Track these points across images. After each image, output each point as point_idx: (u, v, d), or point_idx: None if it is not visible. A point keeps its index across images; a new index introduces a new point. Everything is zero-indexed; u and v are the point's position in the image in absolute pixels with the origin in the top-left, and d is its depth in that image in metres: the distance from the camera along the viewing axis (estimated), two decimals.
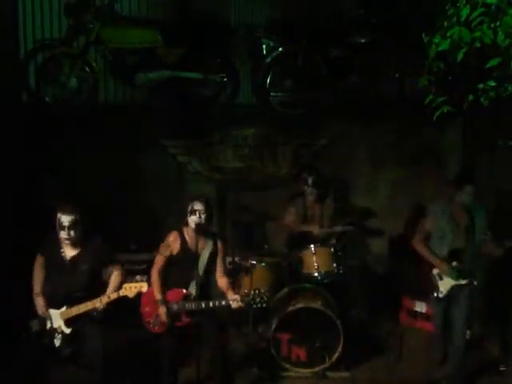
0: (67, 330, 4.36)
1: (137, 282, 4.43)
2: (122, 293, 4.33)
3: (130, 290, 4.33)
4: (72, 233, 4.35)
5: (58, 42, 6.41)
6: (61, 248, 4.44)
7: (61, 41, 6.42)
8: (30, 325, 4.37)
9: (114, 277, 4.51)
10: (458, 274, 4.77)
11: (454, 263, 4.78)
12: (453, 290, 4.81)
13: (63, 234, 4.35)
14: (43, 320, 4.38)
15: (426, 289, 4.97)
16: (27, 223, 5.70)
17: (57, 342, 4.36)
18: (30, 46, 6.60)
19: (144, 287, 4.37)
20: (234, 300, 4.42)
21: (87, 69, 6.28)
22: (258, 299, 4.42)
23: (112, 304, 4.37)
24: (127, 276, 4.68)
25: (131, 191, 6.30)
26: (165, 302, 4.48)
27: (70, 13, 6.22)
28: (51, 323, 4.37)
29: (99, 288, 4.44)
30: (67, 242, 4.39)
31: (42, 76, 6.28)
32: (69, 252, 4.44)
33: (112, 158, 6.31)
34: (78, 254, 4.45)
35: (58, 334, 4.36)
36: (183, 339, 4.63)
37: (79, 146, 6.25)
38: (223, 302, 4.46)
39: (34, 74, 6.34)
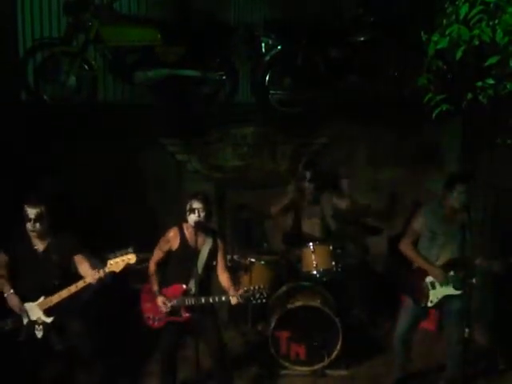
0: (48, 320, 4.37)
1: (122, 255, 4.30)
2: (107, 269, 4.29)
3: (117, 264, 4.28)
4: (37, 225, 4.38)
5: (57, 41, 6.42)
6: (31, 241, 4.47)
7: (60, 39, 6.43)
8: (1, 325, 4.37)
9: (83, 264, 4.48)
10: (452, 283, 4.67)
11: (451, 273, 4.66)
12: (444, 298, 4.71)
13: (29, 226, 4.38)
14: (18, 317, 4.38)
15: (414, 295, 4.77)
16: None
17: (38, 334, 4.36)
18: (29, 45, 6.59)
19: (132, 258, 4.31)
20: (234, 296, 4.43)
21: (86, 67, 6.28)
22: (257, 295, 4.44)
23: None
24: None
25: (130, 190, 6.30)
26: (162, 293, 4.50)
27: (69, 11, 6.22)
28: (28, 317, 4.38)
29: (74, 275, 4.45)
30: (33, 234, 4.41)
31: (41, 75, 6.28)
32: (39, 244, 4.48)
33: (111, 157, 6.31)
34: (48, 244, 4.48)
35: (39, 325, 4.36)
36: (183, 335, 4.64)
37: (78, 144, 6.24)
38: (223, 298, 4.47)
39: (33, 72, 6.33)
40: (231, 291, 4.50)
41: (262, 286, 4.48)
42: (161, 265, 4.63)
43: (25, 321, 4.38)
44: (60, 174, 6.14)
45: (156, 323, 4.57)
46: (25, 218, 4.38)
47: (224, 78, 6.54)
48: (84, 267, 4.46)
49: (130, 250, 4.30)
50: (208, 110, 6.55)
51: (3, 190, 5.58)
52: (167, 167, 6.60)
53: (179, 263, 4.55)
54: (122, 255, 4.31)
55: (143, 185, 6.45)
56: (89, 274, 4.34)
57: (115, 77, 6.66)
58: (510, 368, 5.29)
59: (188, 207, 4.51)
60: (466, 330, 4.59)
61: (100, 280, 4.32)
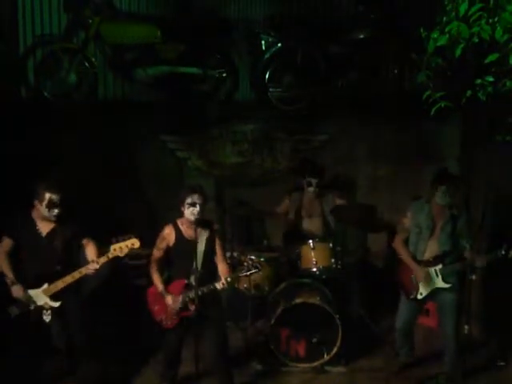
0: (56, 304, 4.39)
1: (125, 240, 4.34)
2: (111, 254, 4.32)
3: (121, 249, 4.32)
4: (57, 211, 4.40)
5: (58, 38, 6.42)
6: (36, 226, 4.47)
7: (60, 36, 6.43)
8: (8, 312, 4.37)
9: (90, 246, 4.53)
10: (436, 278, 4.73)
11: (438, 267, 4.74)
12: (434, 292, 4.78)
13: (54, 212, 4.39)
14: (24, 303, 4.37)
15: (404, 288, 4.89)
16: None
17: (47, 319, 4.37)
18: (30, 42, 6.59)
19: (136, 243, 4.35)
20: (226, 278, 4.43)
21: (86, 64, 6.28)
22: (251, 263, 4.55)
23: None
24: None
25: (130, 186, 6.31)
26: (168, 291, 4.48)
27: (70, 8, 6.23)
28: (35, 303, 4.38)
29: (77, 261, 4.49)
30: (53, 218, 4.42)
31: (42, 72, 6.28)
32: (44, 228, 4.49)
33: (111, 154, 6.31)
34: (53, 228, 4.49)
35: (47, 310, 4.37)
36: (189, 330, 4.60)
37: (78, 141, 6.25)
38: (222, 280, 4.45)
39: (33, 69, 6.33)
40: (224, 274, 4.50)
41: (255, 259, 4.49)
42: (161, 264, 4.61)
43: (32, 306, 4.38)
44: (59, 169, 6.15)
45: (169, 323, 4.51)
46: (47, 204, 4.36)
47: (224, 75, 6.56)
48: (90, 251, 4.50)
49: (133, 236, 4.35)
50: (208, 107, 6.56)
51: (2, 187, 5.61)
52: (167, 164, 6.61)
53: (178, 258, 4.52)
54: (124, 240, 4.35)
55: (143, 182, 6.45)
56: (94, 259, 4.36)
57: (115, 74, 6.66)
58: (508, 364, 5.31)
59: (189, 201, 4.44)
60: (466, 327, 4.61)
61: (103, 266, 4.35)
